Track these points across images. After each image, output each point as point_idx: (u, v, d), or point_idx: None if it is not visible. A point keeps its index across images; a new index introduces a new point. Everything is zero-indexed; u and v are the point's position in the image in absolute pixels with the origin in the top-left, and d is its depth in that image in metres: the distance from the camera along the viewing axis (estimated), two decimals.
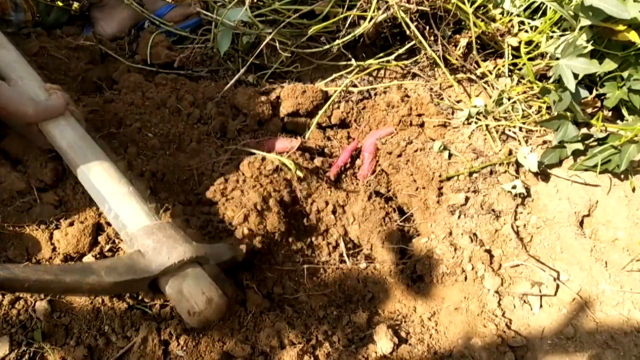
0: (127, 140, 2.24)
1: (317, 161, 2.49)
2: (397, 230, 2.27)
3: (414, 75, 3.03)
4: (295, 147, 2.40)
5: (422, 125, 2.78)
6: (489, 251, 2.02)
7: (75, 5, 3.22)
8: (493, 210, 2.17)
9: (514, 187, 2.21)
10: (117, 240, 1.92)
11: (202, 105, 2.61)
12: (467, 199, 2.19)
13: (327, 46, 2.91)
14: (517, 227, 2.10)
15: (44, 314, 1.71)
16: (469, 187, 2.24)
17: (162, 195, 2.14)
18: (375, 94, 2.91)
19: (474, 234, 2.08)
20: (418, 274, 2.09)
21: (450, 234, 2.10)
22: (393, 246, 2.17)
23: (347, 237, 2.32)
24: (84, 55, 2.81)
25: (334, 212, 2.35)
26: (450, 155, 2.40)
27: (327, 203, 2.35)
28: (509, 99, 2.70)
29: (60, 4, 3.15)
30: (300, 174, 2.26)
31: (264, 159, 2.31)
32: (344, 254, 2.24)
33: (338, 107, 2.81)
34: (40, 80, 2.09)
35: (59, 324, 1.71)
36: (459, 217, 2.14)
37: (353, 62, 2.94)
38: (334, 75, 2.88)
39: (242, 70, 2.68)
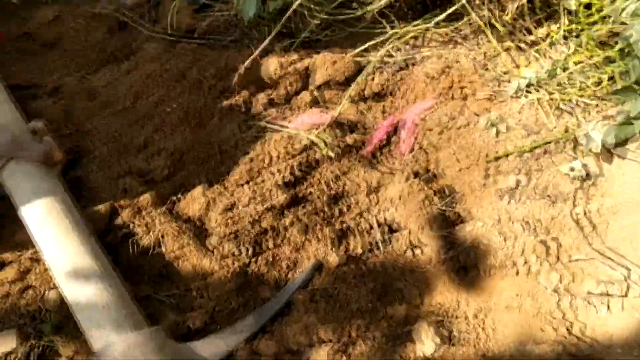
0: (143, 116, 2.07)
1: (350, 138, 2.28)
2: (438, 214, 2.06)
3: (456, 44, 2.76)
4: (327, 122, 2.19)
5: (465, 98, 2.52)
6: (544, 242, 1.79)
7: None
8: (548, 195, 1.93)
9: (572, 169, 1.96)
10: None
11: (226, 77, 2.41)
12: (518, 182, 1.95)
13: (360, 11, 2.66)
14: (577, 214, 1.86)
15: (55, 305, 1.57)
16: (520, 169, 2.00)
17: (181, 175, 1.98)
18: (414, 65, 2.66)
19: (527, 222, 1.85)
20: (463, 265, 1.88)
21: (499, 221, 1.88)
22: (434, 233, 1.96)
23: (383, 221, 2.11)
24: (101, 24, 2.65)
25: (368, 194, 2.15)
26: (498, 133, 2.15)
27: (361, 185, 2.15)
28: (564, 70, 2.41)
29: None
30: (332, 154, 2.06)
31: (291, 136, 2.12)
32: (379, 240, 2.05)
33: (373, 79, 2.57)
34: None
35: (70, 315, 1.57)
36: (509, 201, 1.91)
37: (388, 29, 2.69)
38: (368, 44, 2.64)
39: (267, 39, 2.46)
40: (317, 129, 2.21)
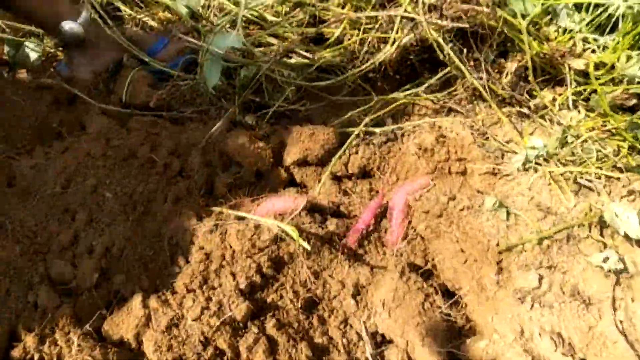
0: (74, 204, 1.68)
1: (331, 224, 1.90)
2: (442, 322, 1.64)
3: (450, 111, 2.45)
4: (301, 206, 1.81)
5: (464, 173, 2.18)
6: None
7: (49, 43, 2.74)
8: (579, 293, 1.53)
9: (605, 260, 1.57)
10: None
11: (186, 154, 2.06)
12: (541, 278, 1.56)
13: (341, 77, 2.37)
14: (621, 322, 1.46)
15: None
16: (541, 261, 1.61)
17: (117, 280, 1.56)
18: (403, 135, 2.33)
19: (559, 335, 1.44)
20: None
21: (522, 333, 1.47)
22: (438, 348, 1.54)
23: (374, 330, 1.69)
24: (47, 97, 2.31)
25: (354, 295, 1.74)
26: (508, 215, 1.78)
27: (344, 284, 1.74)
28: (577, 137, 2.09)
29: (31, 43, 2.66)
30: (307, 246, 1.66)
31: (259, 225, 1.73)
32: (370, 356, 1.62)
33: (357, 152, 2.23)
34: None
35: None
36: (531, 306, 1.51)
37: (374, 96, 2.38)
38: (351, 113, 2.32)
39: (231, 110, 2.13)
40: (291, 215, 1.82)
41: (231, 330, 1.51)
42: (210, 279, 1.60)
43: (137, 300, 1.51)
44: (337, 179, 2.22)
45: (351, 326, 1.71)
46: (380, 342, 1.71)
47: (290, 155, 2.14)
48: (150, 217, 1.78)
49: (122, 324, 1.47)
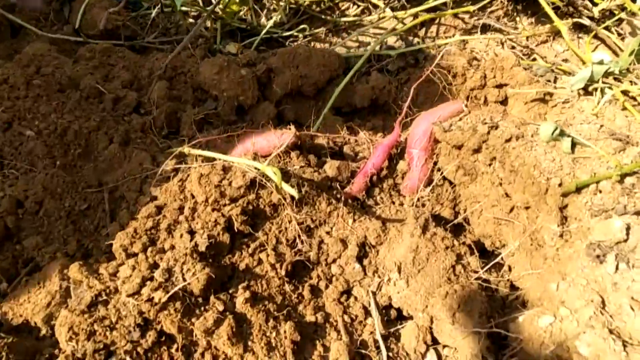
0: None
1: (331, 168, 1.44)
2: (479, 291, 1.18)
3: (485, 28, 1.93)
4: (287, 143, 1.35)
5: (504, 102, 1.69)
6: None
7: None
8: None
9: None
10: None
11: (147, 87, 1.62)
12: (627, 228, 1.07)
13: None
14: None
15: None
16: (625, 205, 1.12)
17: (29, 243, 1.15)
18: (426, 59, 1.84)
19: None
20: None
21: (604, 305, 0.99)
22: (476, 327, 1.08)
23: (386, 303, 1.25)
24: None
25: (360, 257, 1.29)
26: (574, 146, 1.29)
27: (346, 243, 1.29)
28: None
29: None
30: (295, 193, 1.21)
31: (227, 168, 1.28)
32: (379, 337, 1.17)
33: (367, 82, 1.75)
34: None
35: None
36: (616, 267, 1.03)
37: (388, 11, 1.88)
38: (358, 31, 1.83)
39: (200, 21, 1.67)
40: (274, 153, 1.37)
41: (183, 307, 1.08)
42: (159, 240, 1.17)
43: (53, 269, 1.10)
44: (341, 114, 1.75)
45: (356, 299, 1.27)
46: (395, 318, 1.27)
47: (281, 85, 1.68)
48: (88, 162, 1.36)
49: (28, 302, 1.06)
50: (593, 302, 0.98)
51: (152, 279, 1.10)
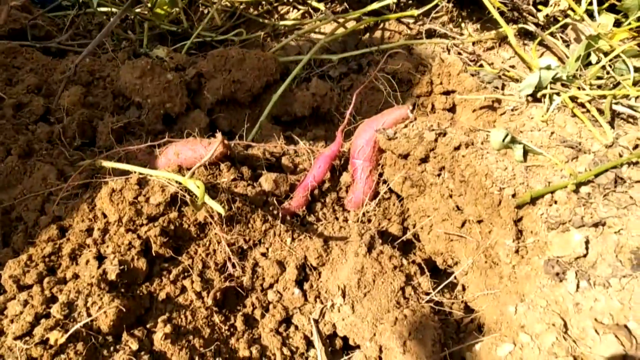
0: None
1: (267, 182, 1.30)
2: (431, 314, 1.06)
3: (430, 34, 1.86)
4: (214, 153, 1.20)
5: (452, 109, 1.61)
6: None
7: None
8: None
9: None
10: None
11: (57, 93, 1.43)
12: (586, 242, 0.98)
13: None
14: None
15: None
16: (582, 217, 1.04)
17: None
18: (370, 64, 1.74)
19: (626, 328, 0.86)
20: None
21: (566, 329, 0.89)
22: (429, 356, 0.96)
23: (330, 332, 1.11)
24: None
25: (300, 281, 1.15)
26: (526, 154, 1.20)
27: (284, 265, 1.14)
28: (605, 54, 1.53)
29: None
30: (222, 210, 1.05)
31: (143, 182, 1.11)
32: None
33: (307, 88, 1.63)
34: None
35: None
36: (577, 286, 0.93)
37: (329, 14, 1.78)
38: (297, 33, 1.71)
39: (109, 25, 1.50)
40: (207, 168, 1.22)
41: (86, 349, 0.90)
42: (60, 268, 0.99)
43: None
44: (280, 123, 1.62)
45: (296, 328, 1.12)
46: (341, 348, 1.13)
47: (212, 91, 1.53)
48: None
49: None
50: (555, 326, 0.88)
51: (47, 315, 0.92)
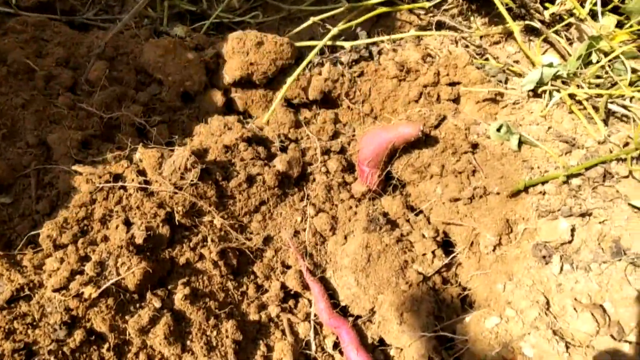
0: None
1: (281, 162, 1.39)
2: (428, 290, 1.16)
3: (440, 26, 1.93)
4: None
5: (457, 99, 1.69)
6: None
7: None
8: (624, 252, 1.06)
9: None
10: None
11: (84, 66, 1.51)
12: (572, 229, 1.08)
13: None
14: None
15: None
16: (571, 207, 1.13)
17: None
18: (380, 53, 1.81)
19: (602, 309, 0.97)
20: None
21: (549, 307, 0.99)
22: (423, 328, 1.06)
23: (332, 296, 1.22)
24: None
25: (310, 254, 1.24)
26: (520, 144, 1.29)
27: (296, 231, 1.24)
28: (605, 55, 1.60)
29: None
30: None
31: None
32: (314, 341, 1.14)
33: (319, 73, 1.71)
34: None
35: None
36: (561, 268, 1.03)
37: (344, 2, 1.84)
38: (312, 19, 1.78)
39: (138, 6, 1.57)
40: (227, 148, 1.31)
41: (116, 304, 1.00)
42: (91, 231, 1.08)
43: None
44: (292, 105, 1.70)
45: (301, 296, 1.22)
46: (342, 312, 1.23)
47: (230, 72, 1.60)
48: (15, 143, 1.24)
49: None
50: (538, 303, 0.98)
51: (82, 272, 1.02)
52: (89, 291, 0.98)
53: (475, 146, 1.34)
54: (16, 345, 0.91)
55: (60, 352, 0.95)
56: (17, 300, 0.96)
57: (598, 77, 1.64)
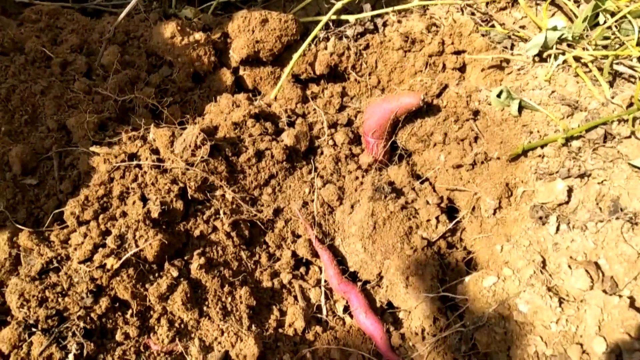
0: None
1: (288, 136, 1.44)
2: (433, 254, 1.21)
3: None
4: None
5: (462, 68, 1.70)
6: (636, 306, 0.95)
7: None
8: (622, 210, 1.09)
9: None
10: None
11: (98, 52, 1.57)
12: (570, 190, 1.11)
13: None
14: None
15: None
16: (569, 168, 1.16)
17: None
18: (385, 25, 1.83)
19: (596, 265, 1.00)
20: (479, 352, 1.03)
21: (545, 265, 1.03)
22: (428, 291, 1.12)
23: (341, 262, 1.27)
24: None
25: (319, 224, 1.30)
26: (521, 109, 1.32)
27: (305, 202, 1.30)
28: (612, 15, 1.60)
29: None
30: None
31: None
32: (325, 305, 1.21)
33: (325, 48, 1.74)
34: None
35: None
36: (557, 228, 1.07)
37: None
38: None
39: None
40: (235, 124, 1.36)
41: (137, 273, 1.08)
42: (111, 207, 1.16)
43: (2, 237, 1.08)
44: (300, 82, 1.74)
45: (312, 264, 1.28)
46: (351, 278, 1.29)
47: (237, 51, 1.65)
48: (36, 128, 1.31)
49: None
50: (534, 262, 1.02)
51: (104, 245, 1.09)
52: (111, 262, 1.06)
53: (476, 113, 1.37)
54: (49, 312, 1.00)
55: (88, 317, 1.04)
56: (47, 272, 1.05)
57: (606, 38, 1.63)
